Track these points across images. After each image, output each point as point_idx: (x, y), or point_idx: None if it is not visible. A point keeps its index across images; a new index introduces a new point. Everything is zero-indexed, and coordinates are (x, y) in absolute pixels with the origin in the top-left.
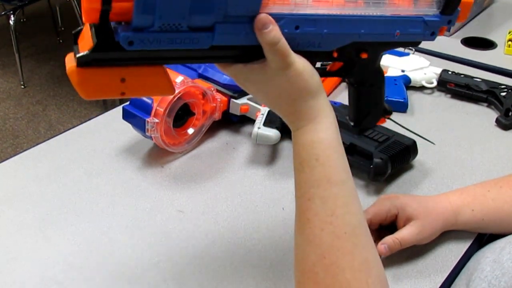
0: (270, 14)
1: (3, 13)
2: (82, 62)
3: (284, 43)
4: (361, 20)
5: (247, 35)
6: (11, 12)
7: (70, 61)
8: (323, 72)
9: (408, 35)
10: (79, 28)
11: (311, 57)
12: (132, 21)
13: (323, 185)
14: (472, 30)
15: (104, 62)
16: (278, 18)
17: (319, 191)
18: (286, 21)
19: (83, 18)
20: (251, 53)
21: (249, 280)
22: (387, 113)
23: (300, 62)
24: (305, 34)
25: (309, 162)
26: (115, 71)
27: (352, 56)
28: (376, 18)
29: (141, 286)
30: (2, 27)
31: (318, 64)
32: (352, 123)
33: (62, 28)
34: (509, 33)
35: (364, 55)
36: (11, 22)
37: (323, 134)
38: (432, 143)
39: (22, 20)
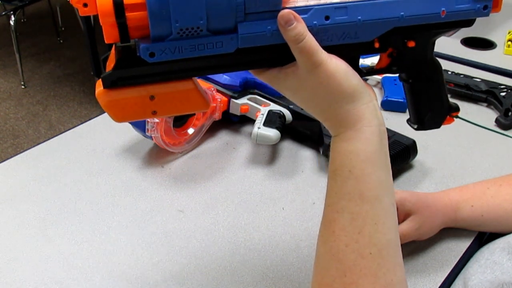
0: (296, 7)
1: (3, 13)
2: (107, 83)
3: (310, 40)
4: (398, 1)
5: (274, 34)
6: (12, 12)
7: (99, 85)
8: (371, 71)
9: (456, 13)
10: (107, 53)
11: (350, 51)
12: (150, 31)
13: (354, 200)
14: (472, 30)
15: (130, 80)
16: (305, 9)
17: (349, 206)
18: (314, 12)
19: (105, 38)
20: (284, 54)
21: (249, 280)
22: (453, 110)
23: (332, 62)
24: (338, 24)
25: (342, 173)
26: (143, 88)
27: (398, 46)
28: None
29: (141, 286)
30: (3, 27)
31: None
32: (415, 126)
33: (63, 28)
34: (509, 33)
35: (411, 44)
36: (12, 22)
37: (361, 144)
38: None
39: (22, 20)
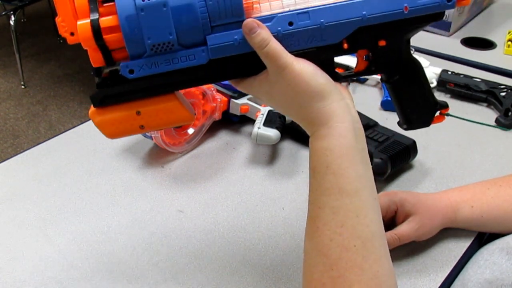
0: (260, 16)
1: (3, 13)
2: (96, 101)
3: (274, 44)
4: (360, 2)
5: (241, 43)
6: (12, 12)
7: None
8: (350, 75)
9: (420, 8)
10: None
11: (321, 53)
12: (127, 50)
13: (334, 195)
14: (472, 30)
15: (117, 98)
16: (269, 18)
17: (329, 201)
18: (277, 20)
19: (91, 62)
20: (257, 63)
21: (249, 280)
22: (441, 108)
23: (298, 64)
24: (302, 28)
25: (320, 169)
26: (129, 105)
27: (370, 47)
28: None
29: (141, 286)
30: (3, 27)
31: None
32: (404, 126)
33: None
34: (509, 33)
35: (382, 43)
36: (12, 22)
37: (335, 140)
38: None
39: (22, 20)
